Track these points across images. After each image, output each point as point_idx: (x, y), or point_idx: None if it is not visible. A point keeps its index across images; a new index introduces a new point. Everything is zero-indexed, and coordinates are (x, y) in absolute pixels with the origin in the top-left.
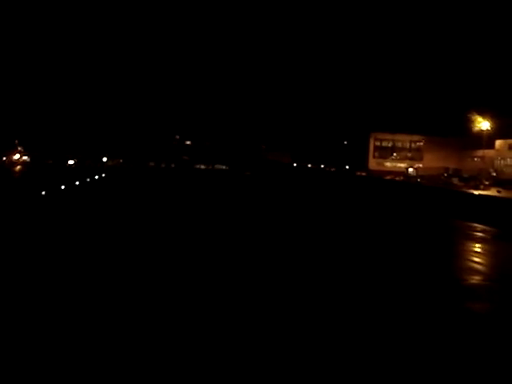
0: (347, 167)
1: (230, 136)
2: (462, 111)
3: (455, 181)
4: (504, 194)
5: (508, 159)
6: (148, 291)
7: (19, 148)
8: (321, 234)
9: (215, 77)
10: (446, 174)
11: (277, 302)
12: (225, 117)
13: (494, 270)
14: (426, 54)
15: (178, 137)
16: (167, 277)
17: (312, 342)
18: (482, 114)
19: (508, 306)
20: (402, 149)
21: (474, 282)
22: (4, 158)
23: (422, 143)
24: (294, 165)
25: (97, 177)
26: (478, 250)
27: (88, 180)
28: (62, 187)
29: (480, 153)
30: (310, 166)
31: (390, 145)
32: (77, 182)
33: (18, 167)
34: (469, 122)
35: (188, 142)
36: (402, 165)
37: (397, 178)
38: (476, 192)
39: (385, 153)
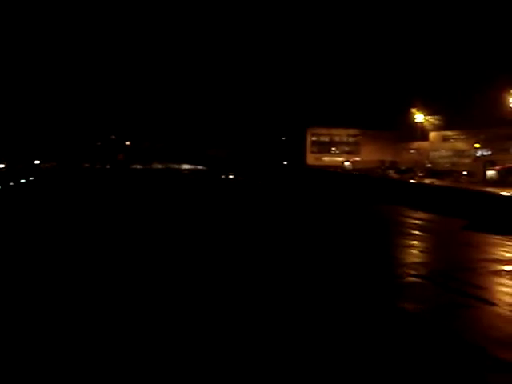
0: (285, 163)
1: (170, 135)
2: (397, 104)
3: (391, 173)
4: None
5: (442, 151)
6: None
7: None
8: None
9: (150, 75)
10: (382, 167)
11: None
12: (163, 116)
13: None
14: (360, 47)
15: (113, 137)
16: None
17: None
18: (417, 106)
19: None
20: (340, 143)
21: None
22: None
23: (359, 137)
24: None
25: (23, 180)
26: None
27: (12, 184)
28: None
29: (415, 145)
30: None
31: (327, 139)
32: None
33: None
34: (404, 115)
35: (127, 143)
36: (340, 159)
37: None
38: None
39: (322, 148)
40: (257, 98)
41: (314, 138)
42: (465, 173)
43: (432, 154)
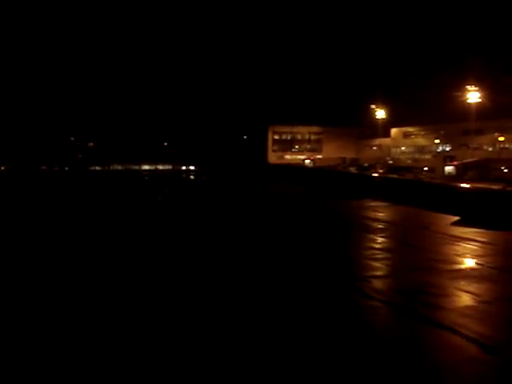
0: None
1: (130, 135)
2: (359, 101)
3: (352, 170)
4: None
5: (403, 147)
6: None
7: None
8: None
9: (108, 76)
10: (343, 164)
11: None
12: (124, 117)
13: None
14: (321, 45)
15: (72, 138)
16: None
17: None
18: (377, 103)
19: None
20: (302, 141)
21: None
22: None
23: (321, 134)
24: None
25: None
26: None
27: None
28: None
29: (377, 142)
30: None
31: (289, 137)
32: None
33: None
34: (365, 112)
35: (91, 144)
36: (302, 157)
37: None
38: None
39: (284, 146)
40: (218, 97)
41: (275, 136)
42: (425, 168)
43: (394, 150)
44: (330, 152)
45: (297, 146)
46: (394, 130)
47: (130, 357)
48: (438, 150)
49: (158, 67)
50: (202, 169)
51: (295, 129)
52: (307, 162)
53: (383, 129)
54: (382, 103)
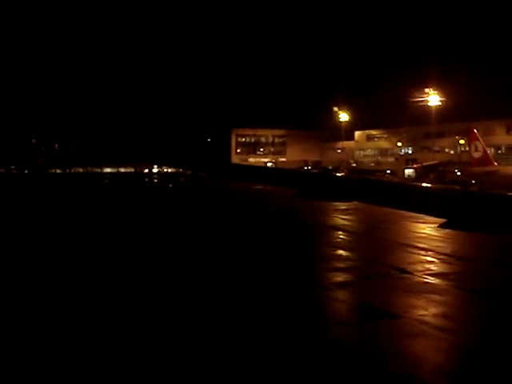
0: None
1: (97, 139)
2: (323, 104)
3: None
4: None
5: (367, 150)
6: None
7: None
8: None
9: (75, 77)
10: (306, 167)
11: None
12: (89, 119)
13: None
14: (283, 49)
15: (34, 140)
16: None
17: None
18: (341, 106)
19: None
20: (266, 144)
21: None
22: None
23: (285, 137)
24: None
25: None
26: None
27: None
28: None
29: (340, 144)
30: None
31: (253, 140)
32: None
33: None
34: (329, 115)
35: (56, 145)
36: (266, 160)
37: None
38: None
39: (248, 148)
40: (182, 100)
41: (239, 139)
42: (388, 171)
43: (357, 153)
44: (294, 155)
45: (261, 149)
46: (357, 133)
47: (128, 356)
48: (401, 153)
49: (122, 71)
50: (165, 171)
51: (259, 132)
52: (269, 164)
53: (347, 132)
54: (345, 106)
